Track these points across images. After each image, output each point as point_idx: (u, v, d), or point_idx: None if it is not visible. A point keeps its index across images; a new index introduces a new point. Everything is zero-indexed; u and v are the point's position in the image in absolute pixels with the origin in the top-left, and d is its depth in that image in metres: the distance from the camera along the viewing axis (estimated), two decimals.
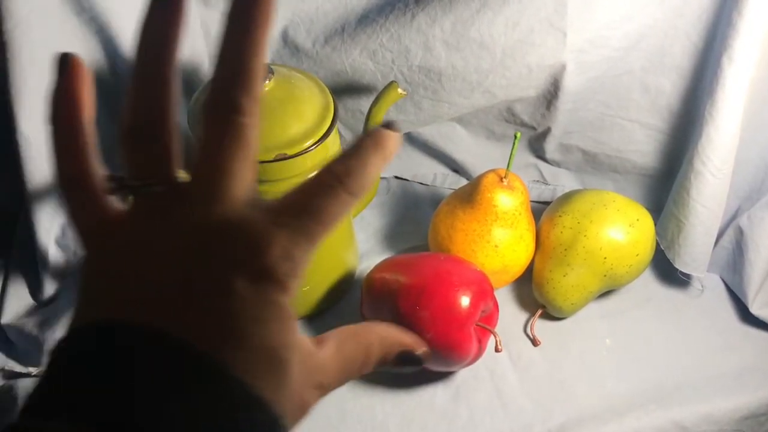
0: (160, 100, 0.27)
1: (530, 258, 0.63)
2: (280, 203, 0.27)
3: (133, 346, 0.24)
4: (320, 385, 0.28)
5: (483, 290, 0.56)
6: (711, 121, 0.58)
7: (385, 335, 0.30)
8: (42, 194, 0.59)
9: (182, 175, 0.27)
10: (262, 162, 0.52)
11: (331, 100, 0.55)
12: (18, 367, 0.56)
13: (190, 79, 0.63)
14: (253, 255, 0.25)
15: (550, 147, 0.69)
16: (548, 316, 0.63)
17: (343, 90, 0.65)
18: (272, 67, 0.54)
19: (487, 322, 0.57)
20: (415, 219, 0.70)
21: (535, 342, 0.62)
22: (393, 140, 0.28)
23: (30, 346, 0.57)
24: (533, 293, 0.63)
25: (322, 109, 0.54)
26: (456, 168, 0.72)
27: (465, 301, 0.55)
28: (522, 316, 0.64)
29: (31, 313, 0.60)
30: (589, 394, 0.59)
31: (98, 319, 0.25)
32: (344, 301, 0.64)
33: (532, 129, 0.68)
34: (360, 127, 0.62)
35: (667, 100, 0.63)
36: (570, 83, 0.62)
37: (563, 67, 0.61)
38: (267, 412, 0.25)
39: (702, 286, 0.65)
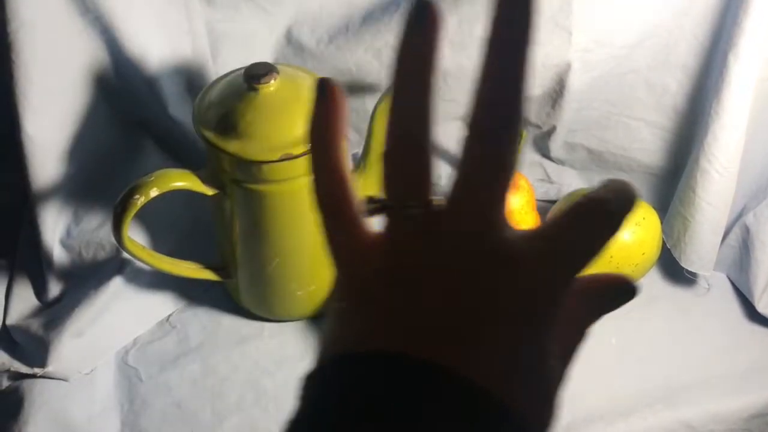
0: (420, 123, 0.27)
1: None
2: (540, 235, 0.26)
3: (415, 380, 0.23)
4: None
5: None
6: (717, 120, 0.58)
7: (587, 286, 0.28)
8: (47, 194, 0.59)
9: (437, 200, 0.27)
10: (268, 162, 0.52)
11: None
12: (23, 368, 0.56)
13: (193, 78, 0.63)
14: (528, 289, 0.25)
15: (555, 145, 0.69)
16: None
17: (348, 89, 0.64)
18: (277, 66, 0.54)
19: None
20: None
21: None
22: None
23: (35, 347, 0.57)
24: None
25: None
26: None
27: None
28: None
29: (35, 313, 0.60)
30: (595, 394, 0.58)
31: (371, 349, 0.25)
32: None
33: (537, 128, 0.67)
34: (364, 126, 0.62)
35: (673, 99, 0.63)
36: (575, 82, 0.62)
37: (568, 66, 0.61)
38: None
39: (708, 285, 0.65)
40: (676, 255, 0.63)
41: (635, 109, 0.65)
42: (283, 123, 0.53)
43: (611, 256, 0.59)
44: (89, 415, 0.56)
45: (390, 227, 0.27)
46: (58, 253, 0.60)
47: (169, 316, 0.63)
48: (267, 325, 0.63)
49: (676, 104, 0.63)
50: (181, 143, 0.63)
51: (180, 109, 0.62)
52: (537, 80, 0.62)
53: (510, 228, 0.26)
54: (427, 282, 0.25)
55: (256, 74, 0.53)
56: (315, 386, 0.25)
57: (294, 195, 0.55)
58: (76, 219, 0.61)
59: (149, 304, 0.62)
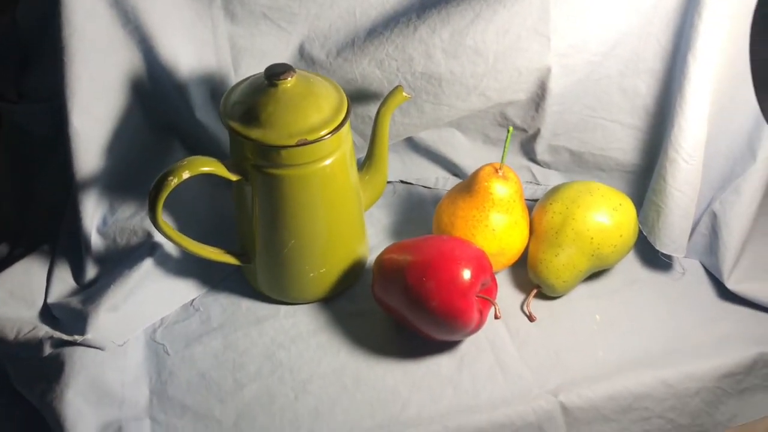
0: None
1: (525, 243, 0.69)
2: None
3: None
4: None
5: (482, 265, 0.63)
6: (681, 113, 0.65)
7: None
8: (86, 186, 0.66)
9: None
10: (286, 147, 0.59)
11: (345, 98, 0.63)
12: (65, 336, 0.61)
13: (217, 86, 0.70)
14: None
15: (540, 149, 0.76)
16: (543, 296, 0.69)
17: (354, 97, 0.72)
18: (294, 68, 0.62)
19: (486, 295, 0.63)
20: (419, 218, 0.76)
21: (531, 318, 0.68)
22: None
23: (74, 319, 0.62)
24: (528, 275, 0.69)
25: (337, 104, 0.62)
26: (456, 172, 0.79)
27: (467, 273, 0.61)
28: (519, 296, 0.70)
29: (73, 294, 0.66)
30: (582, 362, 0.64)
31: None
32: (356, 286, 0.70)
33: (523, 131, 0.75)
34: (368, 132, 0.69)
35: (643, 101, 0.71)
36: (555, 86, 0.70)
37: (549, 70, 0.69)
38: None
39: (683, 269, 0.71)
40: (651, 240, 0.69)
41: (611, 112, 0.72)
42: (299, 113, 0.60)
43: (592, 238, 0.66)
44: (122, 381, 0.62)
45: None
46: (95, 240, 0.67)
47: (193, 300, 0.69)
48: (282, 307, 0.69)
49: (646, 106, 0.71)
50: (206, 144, 0.71)
51: (205, 114, 0.70)
52: (521, 85, 0.70)
53: None
54: None
55: (275, 72, 0.60)
56: None
57: (309, 179, 0.62)
58: (112, 209, 0.68)
59: (175, 288, 0.68)
